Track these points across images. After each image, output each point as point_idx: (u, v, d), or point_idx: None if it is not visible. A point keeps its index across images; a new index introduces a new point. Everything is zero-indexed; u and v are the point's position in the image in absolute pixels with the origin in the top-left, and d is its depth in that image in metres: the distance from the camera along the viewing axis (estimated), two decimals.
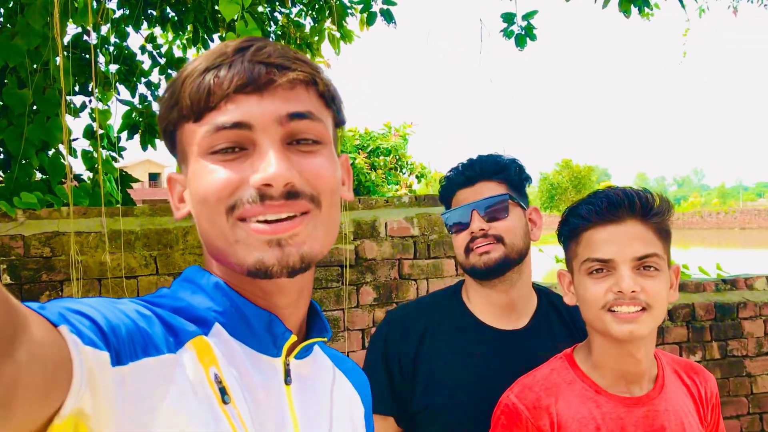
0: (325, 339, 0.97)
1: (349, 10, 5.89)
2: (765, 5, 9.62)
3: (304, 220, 0.82)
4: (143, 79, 5.26)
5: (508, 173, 1.74)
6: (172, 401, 0.72)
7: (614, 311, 1.34)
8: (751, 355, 3.98)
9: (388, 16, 5.66)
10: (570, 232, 1.46)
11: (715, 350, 3.93)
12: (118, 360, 0.67)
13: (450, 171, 1.80)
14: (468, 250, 1.69)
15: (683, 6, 5.56)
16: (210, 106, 0.81)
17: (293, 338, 0.89)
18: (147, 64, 5.32)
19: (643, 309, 1.33)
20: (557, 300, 1.81)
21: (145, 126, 4.96)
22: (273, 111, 0.81)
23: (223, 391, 0.78)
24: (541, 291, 1.84)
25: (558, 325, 1.76)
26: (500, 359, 1.66)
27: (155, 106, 5.06)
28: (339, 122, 0.93)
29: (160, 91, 5.25)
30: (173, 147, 0.90)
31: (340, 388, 1.01)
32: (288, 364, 0.89)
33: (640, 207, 1.37)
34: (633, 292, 1.32)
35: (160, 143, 5.13)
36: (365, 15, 5.65)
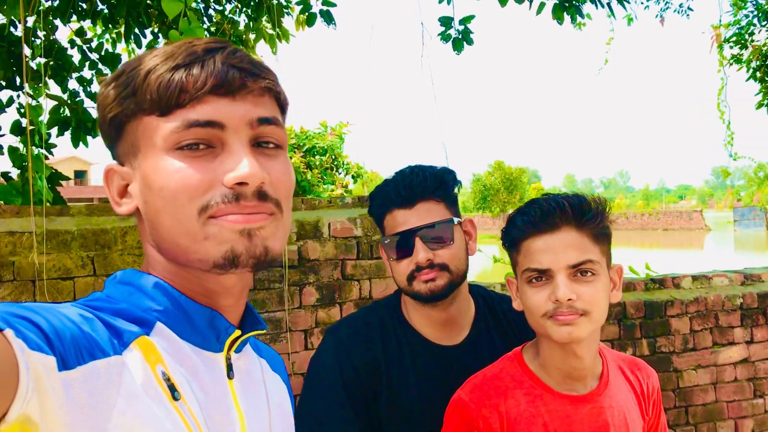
0: (264, 331, 0.99)
1: (285, 10, 5.84)
2: (687, 15, 10.11)
3: (269, 218, 0.84)
4: (74, 75, 5.08)
5: (446, 188, 1.68)
6: (124, 403, 0.72)
7: (553, 317, 1.39)
8: (678, 351, 4.15)
9: (328, 18, 5.62)
10: (510, 241, 1.50)
11: (644, 347, 4.08)
12: (64, 365, 0.66)
13: (384, 185, 1.71)
14: (411, 277, 1.63)
15: (612, 15, 5.77)
16: (180, 103, 0.81)
17: (237, 332, 0.91)
18: (76, 58, 5.15)
19: (582, 314, 1.37)
20: (495, 302, 1.82)
21: (76, 123, 4.78)
22: (245, 114, 0.83)
23: (172, 389, 0.79)
24: (478, 294, 1.82)
25: (496, 332, 1.76)
26: (448, 376, 1.64)
27: (88, 103, 4.90)
28: None
29: (93, 88, 5.11)
30: (118, 137, 0.87)
31: (268, 377, 1.03)
32: (229, 359, 0.91)
33: (573, 214, 1.40)
34: (569, 300, 1.36)
35: (92, 140, 4.96)
36: (304, 16, 5.62)
